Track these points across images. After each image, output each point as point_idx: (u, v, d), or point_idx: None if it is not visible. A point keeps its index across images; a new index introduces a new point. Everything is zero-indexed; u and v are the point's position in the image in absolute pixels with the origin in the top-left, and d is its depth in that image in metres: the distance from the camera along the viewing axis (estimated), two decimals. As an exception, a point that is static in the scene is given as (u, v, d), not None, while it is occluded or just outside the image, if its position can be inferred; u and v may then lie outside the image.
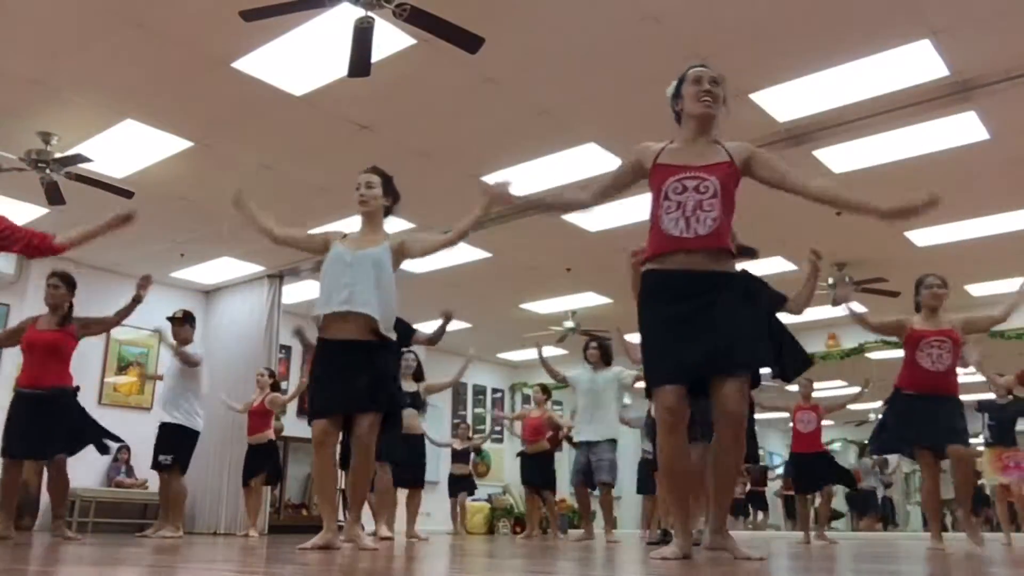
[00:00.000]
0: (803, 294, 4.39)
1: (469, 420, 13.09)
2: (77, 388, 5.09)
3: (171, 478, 5.80)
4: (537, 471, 7.63)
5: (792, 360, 2.63)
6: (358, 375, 3.41)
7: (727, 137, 2.86)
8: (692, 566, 2.36)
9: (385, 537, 5.70)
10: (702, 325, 2.60)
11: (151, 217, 7.49)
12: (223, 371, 9.05)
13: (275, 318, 8.92)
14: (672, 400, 2.61)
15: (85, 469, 6.14)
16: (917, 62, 4.84)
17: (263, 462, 7.40)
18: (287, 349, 10.32)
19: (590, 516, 6.82)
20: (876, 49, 4.77)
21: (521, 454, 7.91)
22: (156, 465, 5.83)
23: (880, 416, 5.05)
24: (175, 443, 5.82)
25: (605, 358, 6.56)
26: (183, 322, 6.06)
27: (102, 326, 5.48)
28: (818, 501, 7.39)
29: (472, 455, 9.75)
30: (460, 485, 9.46)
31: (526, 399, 13.89)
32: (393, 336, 3.55)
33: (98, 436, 5.15)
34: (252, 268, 9.04)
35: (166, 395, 6.06)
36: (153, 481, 8.31)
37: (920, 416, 4.61)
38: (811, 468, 6.94)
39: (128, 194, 6.36)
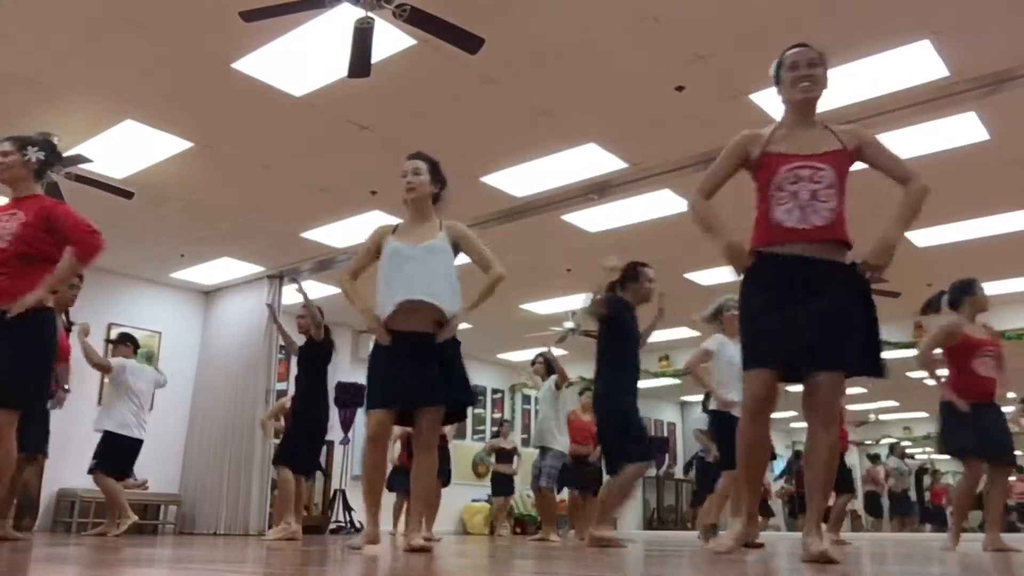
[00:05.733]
0: (646, 334, 4.83)
1: (469, 421, 13.12)
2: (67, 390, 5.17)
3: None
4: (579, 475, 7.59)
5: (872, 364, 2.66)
6: (424, 367, 3.28)
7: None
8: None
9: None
10: (807, 315, 2.54)
11: (151, 217, 7.52)
12: (222, 371, 9.07)
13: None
14: (759, 386, 2.63)
15: (85, 469, 6.16)
16: (917, 62, 4.84)
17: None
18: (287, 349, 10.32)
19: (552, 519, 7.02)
20: (876, 49, 4.77)
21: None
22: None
23: (943, 418, 4.85)
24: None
25: (549, 371, 6.99)
26: (117, 343, 6.49)
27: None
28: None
29: (515, 458, 9.68)
30: (507, 485, 9.51)
31: (526, 399, 13.90)
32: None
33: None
34: (252, 268, 9.04)
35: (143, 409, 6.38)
36: (153, 482, 8.34)
37: (982, 423, 4.58)
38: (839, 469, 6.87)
39: (128, 194, 6.36)
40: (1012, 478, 10.95)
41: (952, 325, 4.73)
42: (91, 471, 6.11)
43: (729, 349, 5.02)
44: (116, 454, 6.13)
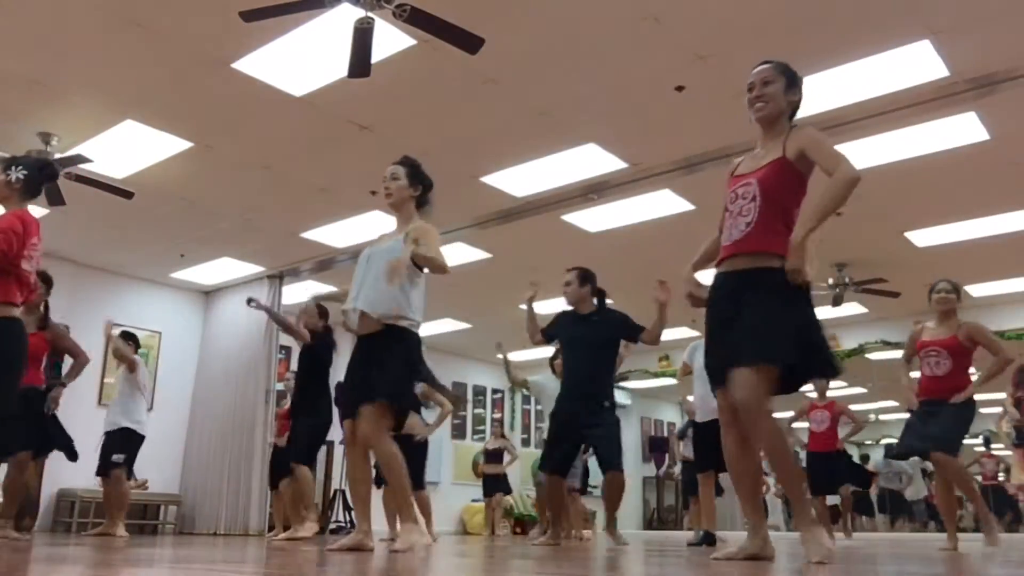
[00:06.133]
0: (657, 327, 4.66)
1: (469, 421, 13.12)
2: (47, 389, 5.19)
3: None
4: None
5: (818, 362, 2.59)
6: (367, 366, 3.33)
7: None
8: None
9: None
10: (729, 326, 2.63)
11: (151, 217, 7.52)
12: (222, 371, 9.07)
13: (275, 318, 8.91)
14: (720, 403, 2.72)
15: (85, 469, 6.16)
16: (917, 62, 4.84)
17: None
18: (287, 350, 10.32)
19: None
20: (876, 49, 4.77)
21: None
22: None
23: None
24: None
25: None
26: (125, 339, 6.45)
27: (71, 353, 5.43)
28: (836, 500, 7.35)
29: (505, 455, 9.90)
30: (495, 485, 9.61)
31: (526, 399, 13.90)
32: (406, 323, 3.36)
33: (65, 441, 5.35)
34: (252, 268, 9.04)
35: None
36: (152, 482, 8.36)
37: (922, 421, 4.71)
38: (825, 468, 6.90)
39: (128, 194, 6.36)
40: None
41: (912, 333, 5.00)
42: (114, 468, 6.07)
43: (700, 353, 5.13)
44: (135, 452, 6.18)
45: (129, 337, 6.57)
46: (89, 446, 6.16)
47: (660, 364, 12.19)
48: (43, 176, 3.86)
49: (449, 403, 6.32)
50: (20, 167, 3.68)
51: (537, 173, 6.51)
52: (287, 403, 7.58)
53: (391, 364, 3.30)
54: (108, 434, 6.20)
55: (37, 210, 7.04)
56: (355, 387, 3.37)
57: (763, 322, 2.54)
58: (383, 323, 3.33)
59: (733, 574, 2.13)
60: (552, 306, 11.32)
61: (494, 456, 9.88)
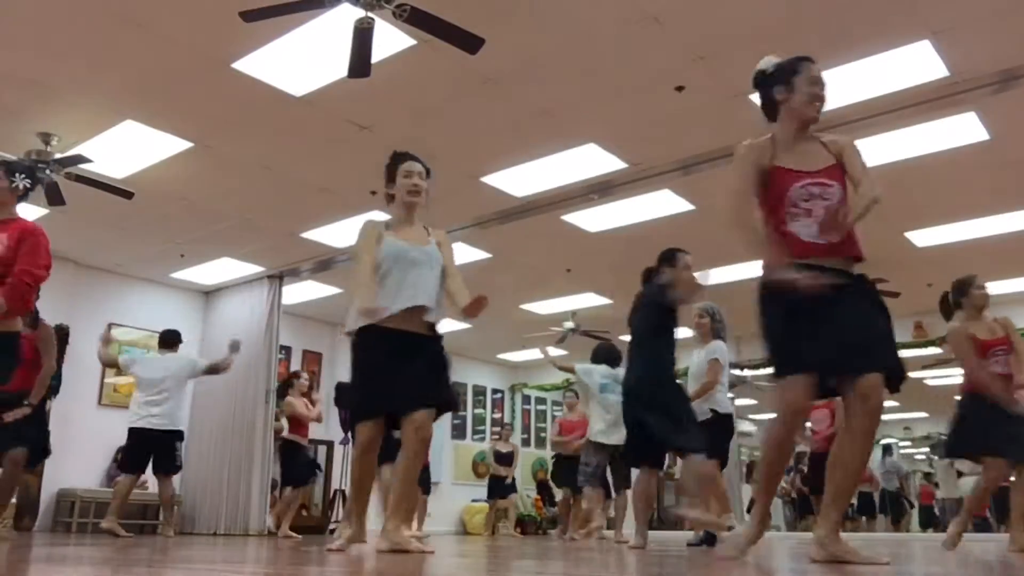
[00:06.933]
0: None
1: (469, 421, 13.12)
2: (27, 392, 5.12)
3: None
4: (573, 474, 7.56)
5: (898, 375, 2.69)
6: (414, 367, 3.28)
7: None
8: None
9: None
10: (835, 321, 2.58)
11: (151, 217, 7.52)
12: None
13: (275, 319, 8.91)
14: (799, 391, 2.62)
15: (85, 469, 6.16)
16: (917, 62, 4.84)
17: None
18: (287, 350, 10.33)
19: (604, 519, 6.87)
20: (876, 49, 4.77)
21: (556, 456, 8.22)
22: None
23: (955, 418, 4.78)
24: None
25: (611, 359, 6.59)
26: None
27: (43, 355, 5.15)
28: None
29: (513, 458, 10.14)
30: (503, 487, 9.89)
31: (526, 400, 13.90)
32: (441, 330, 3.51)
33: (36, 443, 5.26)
34: (252, 268, 9.04)
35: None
36: (153, 482, 8.35)
37: (990, 420, 4.45)
38: (819, 469, 6.98)
39: (128, 194, 6.36)
40: None
41: (955, 335, 4.70)
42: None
43: (692, 357, 5.23)
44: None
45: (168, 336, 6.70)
46: (89, 446, 6.16)
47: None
48: (36, 183, 3.95)
49: None
50: (23, 175, 3.74)
51: (537, 173, 6.51)
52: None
53: (446, 373, 3.42)
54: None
55: (36, 210, 7.08)
56: (408, 388, 3.25)
57: (883, 330, 2.67)
58: (433, 327, 3.43)
59: (733, 574, 2.13)
60: (552, 306, 11.28)
61: (505, 459, 9.95)
